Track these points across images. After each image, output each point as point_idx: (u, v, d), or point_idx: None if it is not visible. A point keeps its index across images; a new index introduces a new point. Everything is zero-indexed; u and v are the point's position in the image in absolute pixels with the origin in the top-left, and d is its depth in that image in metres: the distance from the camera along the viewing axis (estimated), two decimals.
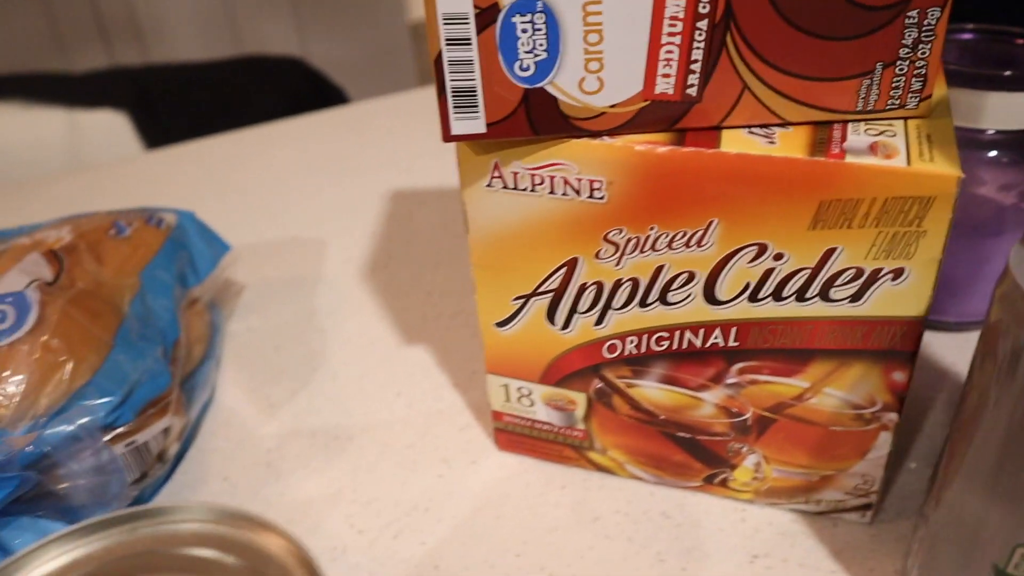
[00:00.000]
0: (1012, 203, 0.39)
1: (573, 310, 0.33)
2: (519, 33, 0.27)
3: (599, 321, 0.33)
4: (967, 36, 0.41)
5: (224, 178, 0.63)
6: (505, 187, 0.31)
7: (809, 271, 0.29)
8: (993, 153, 0.39)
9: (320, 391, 0.43)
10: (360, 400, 0.42)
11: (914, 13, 0.27)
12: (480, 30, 0.27)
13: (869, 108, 0.28)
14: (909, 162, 0.26)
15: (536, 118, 0.28)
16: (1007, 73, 0.37)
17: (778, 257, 0.29)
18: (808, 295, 0.29)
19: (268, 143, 0.67)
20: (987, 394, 0.25)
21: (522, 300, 0.33)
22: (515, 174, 0.30)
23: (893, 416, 0.31)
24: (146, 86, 0.89)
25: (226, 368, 0.46)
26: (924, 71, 0.28)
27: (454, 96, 0.28)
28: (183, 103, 0.90)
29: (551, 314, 0.33)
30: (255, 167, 0.64)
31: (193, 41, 1.60)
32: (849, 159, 0.27)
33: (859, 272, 0.28)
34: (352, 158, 0.64)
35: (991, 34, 0.41)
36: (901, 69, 0.28)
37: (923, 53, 0.27)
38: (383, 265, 0.52)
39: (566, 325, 0.33)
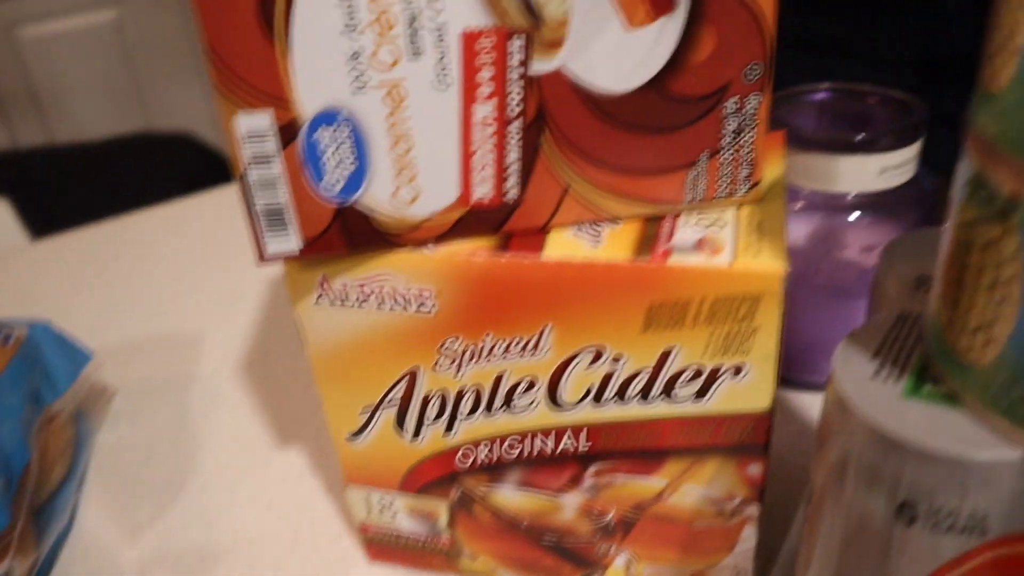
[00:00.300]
0: (875, 264, 0.39)
1: (421, 420, 0.31)
2: (324, 147, 0.26)
3: (448, 429, 0.31)
4: (821, 96, 0.41)
5: (101, 269, 0.61)
6: (334, 302, 0.29)
7: (649, 372, 0.28)
8: (855, 216, 0.39)
9: (189, 506, 0.41)
10: (229, 515, 0.40)
11: (733, 101, 0.26)
12: (283, 146, 0.25)
13: (699, 198, 0.28)
14: (735, 259, 0.26)
15: (352, 233, 0.27)
16: (859, 138, 0.37)
17: (616, 359, 0.28)
18: (652, 395, 0.28)
19: (150, 228, 0.65)
20: (824, 494, 0.24)
21: (370, 411, 0.32)
22: (343, 288, 0.29)
23: (754, 509, 0.30)
24: (27, 170, 0.85)
25: (91, 486, 0.43)
26: (751, 157, 0.27)
27: (264, 216, 0.27)
28: (69, 186, 0.87)
29: (400, 424, 0.32)
30: (133, 255, 0.62)
31: (95, 115, 1.57)
32: (673, 260, 0.26)
33: (699, 370, 0.27)
34: (234, 243, 0.62)
35: (845, 93, 0.41)
36: (726, 157, 0.27)
37: (748, 140, 0.27)
38: (260, 360, 0.50)
39: (416, 434, 0.32)
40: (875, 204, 0.38)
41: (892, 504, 0.22)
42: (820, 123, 0.40)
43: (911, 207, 0.38)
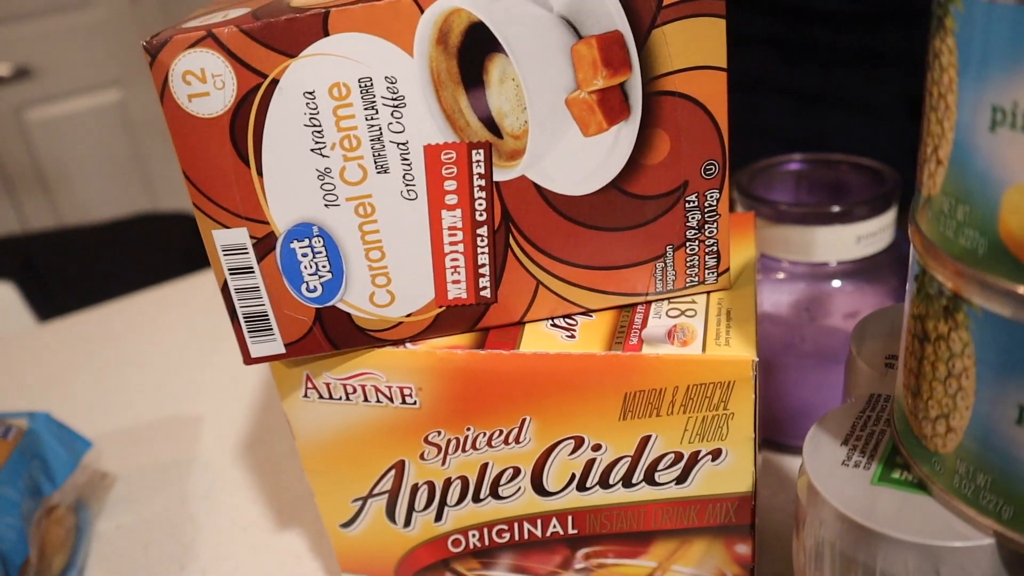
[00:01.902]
0: None
1: (411, 509, 0.32)
2: (300, 258, 0.26)
3: (438, 518, 0.31)
4: (796, 166, 0.42)
5: (103, 352, 0.62)
6: (321, 397, 0.30)
7: (630, 459, 0.28)
8: (837, 283, 0.39)
9: None
10: None
11: (693, 197, 0.27)
12: (260, 258, 0.26)
13: (669, 288, 0.28)
14: (705, 347, 0.26)
15: (334, 334, 0.28)
16: (835, 209, 0.38)
17: (596, 448, 0.28)
18: (634, 481, 0.29)
19: (151, 309, 0.66)
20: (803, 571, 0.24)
21: (360, 501, 0.32)
22: (327, 384, 0.29)
23: None
24: (32, 253, 0.87)
25: (91, 575, 0.43)
26: (715, 248, 0.28)
27: (247, 321, 0.27)
28: (74, 268, 0.88)
29: (390, 513, 0.32)
30: (134, 337, 0.63)
31: (102, 194, 1.59)
32: (646, 350, 0.26)
33: (679, 456, 0.28)
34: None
35: (818, 163, 0.42)
36: (692, 249, 0.28)
37: (711, 232, 0.27)
38: (259, 440, 0.51)
39: (407, 523, 0.32)
40: (855, 271, 0.39)
41: None
42: (797, 193, 0.41)
43: (891, 272, 0.39)
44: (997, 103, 0.17)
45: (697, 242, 0.27)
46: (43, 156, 1.53)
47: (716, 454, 0.28)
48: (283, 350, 0.28)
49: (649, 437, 0.28)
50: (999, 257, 0.18)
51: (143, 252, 0.91)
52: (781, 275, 0.40)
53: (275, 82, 0.24)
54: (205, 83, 0.24)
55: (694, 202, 0.27)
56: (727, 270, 0.28)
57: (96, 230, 0.96)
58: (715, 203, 0.27)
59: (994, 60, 0.17)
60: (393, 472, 0.31)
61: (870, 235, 0.38)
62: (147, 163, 1.66)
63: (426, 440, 0.30)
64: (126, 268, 0.88)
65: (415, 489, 0.31)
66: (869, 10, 0.51)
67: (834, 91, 0.54)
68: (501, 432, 0.29)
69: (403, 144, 0.24)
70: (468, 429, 0.29)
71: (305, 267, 0.26)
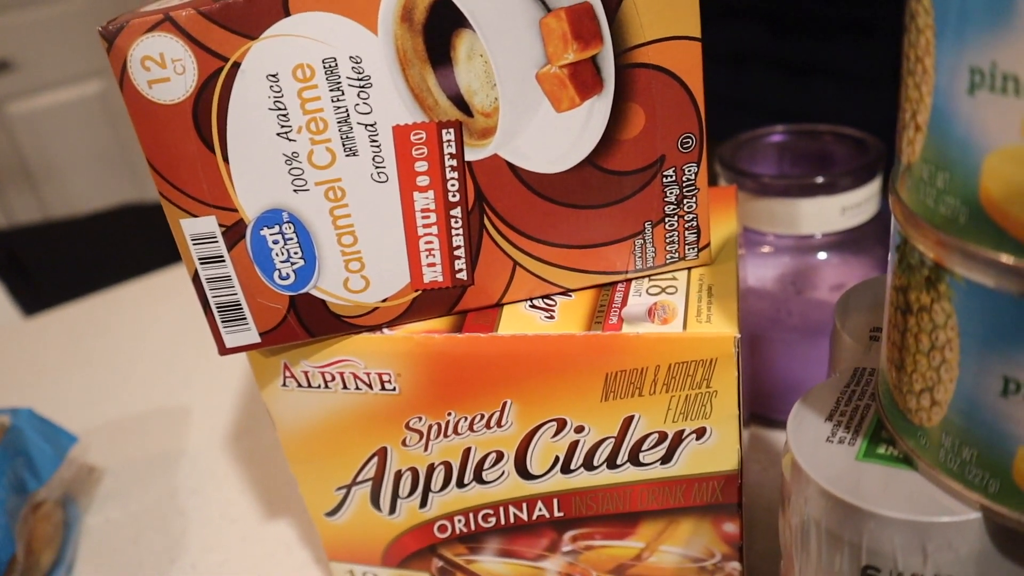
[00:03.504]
0: None
1: (395, 495, 0.31)
2: (271, 245, 0.26)
3: (423, 504, 0.31)
4: (778, 138, 0.42)
5: (89, 346, 0.61)
6: (299, 385, 0.29)
7: (613, 440, 0.28)
8: (822, 256, 0.39)
9: None
10: None
11: (671, 171, 0.26)
12: (230, 247, 0.26)
13: (648, 265, 0.28)
14: (686, 325, 0.26)
15: (309, 321, 0.27)
16: (819, 180, 0.37)
17: (579, 430, 0.28)
18: (619, 462, 0.28)
19: (136, 300, 0.65)
20: (792, 554, 0.24)
21: (344, 490, 0.32)
22: (306, 372, 0.29)
23: (736, 565, 0.30)
24: (17, 247, 0.86)
25: (80, 571, 0.43)
26: (695, 223, 0.27)
27: (220, 311, 0.27)
28: (60, 261, 0.88)
29: (375, 501, 0.32)
30: (121, 330, 0.62)
31: (87, 186, 1.58)
32: (625, 329, 0.26)
33: (663, 436, 0.27)
34: None
35: (801, 134, 0.41)
36: (671, 225, 0.27)
37: (690, 207, 0.27)
38: (247, 430, 0.50)
39: (392, 510, 0.32)
40: (840, 243, 0.38)
41: (857, 568, 0.22)
42: (780, 165, 0.41)
43: (877, 243, 0.38)
44: (975, 64, 0.16)
45: (676, 217, 0.27)
46: (26, 149, 1.52)
47: (700, 433, 0.27)
48: (258, 339, 0.27)
49: (632, 417, 0.27)
50: (981, 225, 0.17)
51: (129, 243, 0.90)
52: (766, 248, 0.39)
53: (237, 65, 0.23)
54: (165, 68, 0.23)
55: (672, 176, 0.26)
56: (708, 245, 0.28)
57: (80, 222, 0.95)
58: (693, 177, 0.26)
59: (971, 19, 0.16)
60: (376, 459, 0.30)
61: (855, 206, 0.37)
62: (131, 153, 1.65)
63: (407, 426, 0.29)
64: (111, 260, 0.87)
65: (398, 476, 0.31)
66: None
67: (823, 62, 0.53)
68: (482, 416, 0.28)
69: (371, 125, 0.24)
70: (449, 414, 0.28)
71: (276, 254, 0.26)
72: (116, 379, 0.57)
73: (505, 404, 0.28)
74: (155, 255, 0.85)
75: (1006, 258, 0.17)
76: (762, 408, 0.42)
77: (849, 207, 0.37)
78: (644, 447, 0.28)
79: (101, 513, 0.46)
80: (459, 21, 0.23)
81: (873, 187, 0.37)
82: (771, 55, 0.55)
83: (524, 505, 0.30)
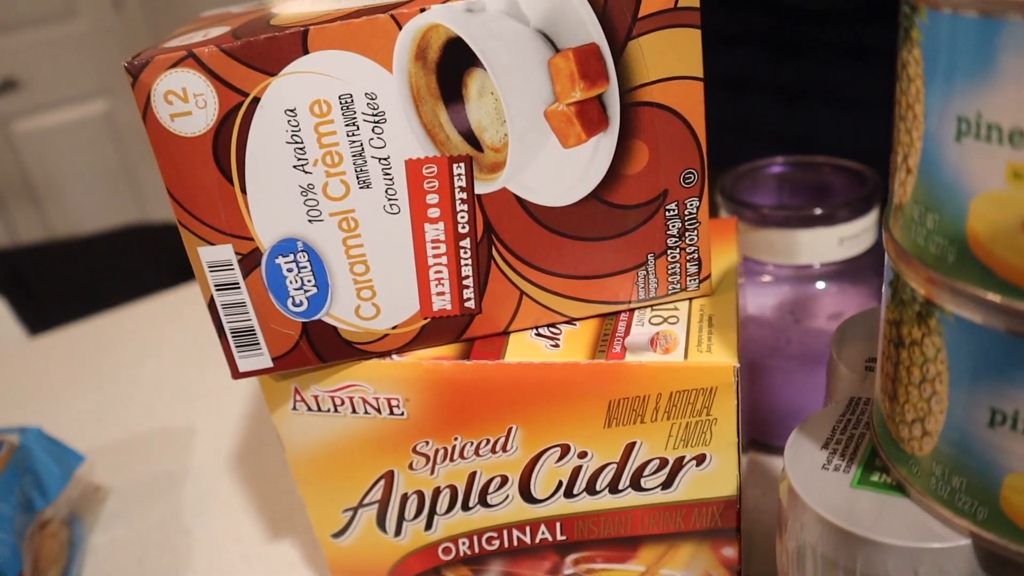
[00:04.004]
0: None
1: (401, 518, 0.32)
2: (285, 273, 0.27)
3: (428, 526, 0.32)
4: (779, 169, 0.43)
5: (94, 365, 0.62)
6: (309, 409, 0.30)
7: (615, 465, 0.28)
8: (821, 285, 0.40)
9: None
10: None
11: (673, 205, 0.27)
12: (246, 274, 0.27)
13: (651, 296, 0.29)
14: (687, 354, 0.26)
15: (320, 347, 0.28)
16: (817, 211, 0.38)
17: (583, 455, 0.28)
18: (620, 487, 0.29)
19: (141, 321, 0.66)
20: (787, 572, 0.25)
21: (351, 512, 0.32)
22: (316, 397, 0.30)
23: None
24: (22, 266, 0.87)
25: None
26: (696, 255, 0.28)
27: (234, 336, 0.28)
28: (65, 280, 0.88)
29: (381, 523, 0.32)
30: (125, 350, 0.63)
31: (91, 205, 1.59)
32: (629, 358, 0.27)
33: (663, 462, 0.28)
34: None
35: (800, 165, 0.42)
36: (674, 257, 0.28)
37: (691, 239, 0.28)
38: (252, 451, 0.51)
39: (398, 532, 0.32)
40: (838, 273, 0.39)
41: None
42: (780, 196, 0.42)
43: (874, 273, 0.39)
44: (962, 113, 0.17)
45: (678, 250, 0.28)
46: (31, 168, 1.53)
47: (700, 459, 0.28)
48: (271, 364, 0.28)
49: (634, 444, 0.28)
50: (968, 264, 0.18)
51: (133, 263, 0.91)
52: (766, 278, 0.40)
53: (256, 100, 0.24)
54: (187, 103, 0.24)
55: (674, 210, 0.27)
56: (708, 276, 0.29)
57: (84, 241, 0.96)
58: (695, 211, 0.27)
59: (958, 71, 0.17)
60: (382, 482, 0.31)
61: (853, 236, 0.38)
62: (136, 173, 1.66)
63: (414, 450, 0.30)
64: (116, 280, 0.88)
65: (405, 498, 0.31)
66: (857, 6, 0.51)
67: (822, 88, 0.54)
68: (488, 441, 0.29)
69: (385, 159, 0.25)
70: (455, 439, 0.29)
71: (291, 282, 0.27)
72: (121, 399, 0.58)
73: (511, 429, 0.28)
74: (159, 275, 0.86)
75: (992, 296, 0.18)
76: (761, 434, 0.42)
77: (847, 238, 0.38)
78: (645, 473, 0.28)
79: (107, 532, 0.47)
80: (471, 60, 0.24)
81: (870, 218, 0.38)
82: (771, 81, 0.56)
83: (527, 528, 0.31)
